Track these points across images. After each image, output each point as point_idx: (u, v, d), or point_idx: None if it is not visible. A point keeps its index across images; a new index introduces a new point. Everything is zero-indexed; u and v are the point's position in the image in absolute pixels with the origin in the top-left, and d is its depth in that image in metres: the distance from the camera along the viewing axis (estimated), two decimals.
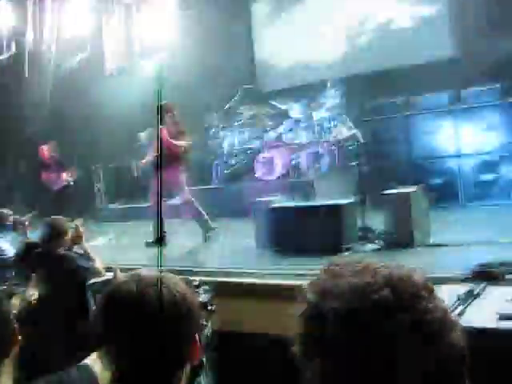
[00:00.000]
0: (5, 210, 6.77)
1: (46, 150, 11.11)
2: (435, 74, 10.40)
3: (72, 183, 11.36)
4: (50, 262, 4.82)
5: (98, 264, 5.12)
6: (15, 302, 4.46)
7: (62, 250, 4.99)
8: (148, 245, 7.60)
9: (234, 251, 7.12)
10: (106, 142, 14.10)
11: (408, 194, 6.16)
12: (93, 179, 13.88)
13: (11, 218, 6.70)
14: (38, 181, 11.86)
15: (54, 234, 4.99)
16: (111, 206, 13.60)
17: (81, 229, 5.23)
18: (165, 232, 7.59)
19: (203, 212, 7.86)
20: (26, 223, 6.76)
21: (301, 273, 5.13)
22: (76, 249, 5.18)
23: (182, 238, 8.04)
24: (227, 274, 5.57)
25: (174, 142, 7.70)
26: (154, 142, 8.37)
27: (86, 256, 5.12)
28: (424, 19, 11.73)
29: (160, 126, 7.22)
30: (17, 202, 12.44)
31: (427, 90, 10.27)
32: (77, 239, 5.15)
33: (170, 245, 7.71)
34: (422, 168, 9.79)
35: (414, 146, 10.05)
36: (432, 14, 11.67)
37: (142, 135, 13.66)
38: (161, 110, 7.38)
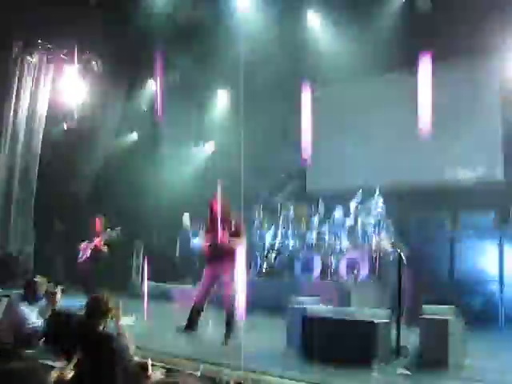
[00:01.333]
0: (40, 279, 6.68)
1: (98, 223, 11.24)
2: (484, 192, 10.43)
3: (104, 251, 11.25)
4: (94, 340, 4.70)
5: (132, 346, 4.97)
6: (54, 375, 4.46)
7: (104, 328, 4.89)
8: (178, 330, 7.56)
9: (263, 350, 7.03)
10: (150, 219, 14.36)
11: (446, 321, 6.04)
12: (132, 254, 14.04)
13: (45, 287, 6.64)
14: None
15: (100, 311, 4.89)
16: (146, 283, 13.63)
17: (120, 307, 5.12)
18: (198, 319, 7.62)
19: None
20: (58, 295, 6.71)
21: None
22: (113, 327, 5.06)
23: (214, 326, 7.99)
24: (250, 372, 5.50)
25: (232, 241, 7.77)
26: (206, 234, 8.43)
27: (123, 336, 4.97)
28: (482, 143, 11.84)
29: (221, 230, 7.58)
30: (55, 270, 12.70)
31: (475, 208, 10.22)
32: (116, 317, 5.04)
33: (199, 332, 7.67)
34: (462, 287, 9.60)
35: (456, 264, 9.91)
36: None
37: (185, 216, 13.91)
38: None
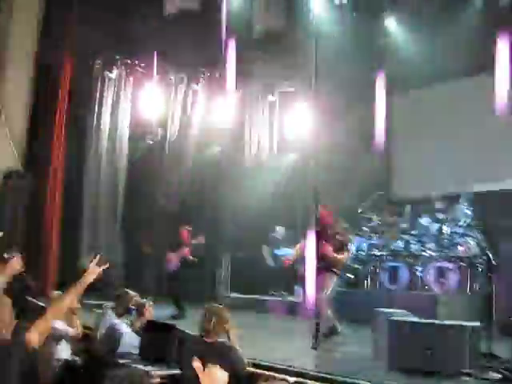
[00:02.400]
0: (130, 292, 6.83)
1: (187, 233, 11.45)
2: None
3: (191, 261, 11.43)
4: (210, 352, 4.61)
5: (243, 356, 4.95)
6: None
7: (219, 340, 4.87)
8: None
9: (350, 359, 7.02)
10: (234, 230, 14.56)
11: None
12: (218, 266, 14.27)
13: (134, 300, 6.76)
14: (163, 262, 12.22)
15: (217, 324, 4.89)
16: (233, 294, 13.85)
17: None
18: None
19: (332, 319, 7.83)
20: (149, 308, 6.82)
21: None
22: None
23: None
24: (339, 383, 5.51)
25: (336, 255, 8.00)
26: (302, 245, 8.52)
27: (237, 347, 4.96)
28: None
29: (324, 242, 7.80)
30: (144, 281, 13.08)
31: None
32: (229, 329, 5.00)
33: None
34: None
35: None
36: None
37: (279, 229, 14.05)
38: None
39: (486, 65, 11.73)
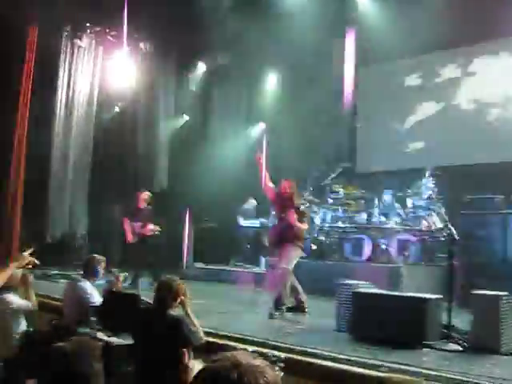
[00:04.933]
0: (98, 256, 6.78)
1: (142, 197, 11.08)
2: None
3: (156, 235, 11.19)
4: (162, 324, 4.64)
5: (200, 328, 4.97)
6: None
7: (174, 312, 4.84)
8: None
9: (312, 330, 7.08)
10: (202, 200, 14.50)
11: (498, 296, 5.95)
12: (181, 236, 14.20)
13: (103, 264, 6.73)
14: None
15: (171, 296, 4.85)
16: (197, 265, 13.84)
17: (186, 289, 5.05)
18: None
19: (285, 293, 7.89)
20: (121, 279, 6.83)
21: (375, 363, 5.05)
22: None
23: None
24: (300, 353, 5.54)
25: (299, 225, 8.07)
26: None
27: (192, 320, 4.95)
28: None
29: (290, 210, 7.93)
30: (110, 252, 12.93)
31: None
32: (184, 302, 4.99)
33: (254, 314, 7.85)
34: None
35: (509, 246, 9.71)
36: None
37: (251, 201, 14.04)
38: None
39: (451, 41, 11.86)
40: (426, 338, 5.87)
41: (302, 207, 8.51)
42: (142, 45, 14.11)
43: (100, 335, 5.69)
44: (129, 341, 5.18)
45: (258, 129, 15.74)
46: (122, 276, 6.85)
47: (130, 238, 10.75)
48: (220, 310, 8.39)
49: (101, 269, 6.70)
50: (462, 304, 7.22)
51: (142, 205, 11.02)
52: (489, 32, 11.58)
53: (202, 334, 4.92)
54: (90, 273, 6.61)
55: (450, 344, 5.90)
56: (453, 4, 11.32)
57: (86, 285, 6.47)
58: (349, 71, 13.08)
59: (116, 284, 6.69)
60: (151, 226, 10.78)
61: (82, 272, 6.77)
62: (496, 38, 12.04)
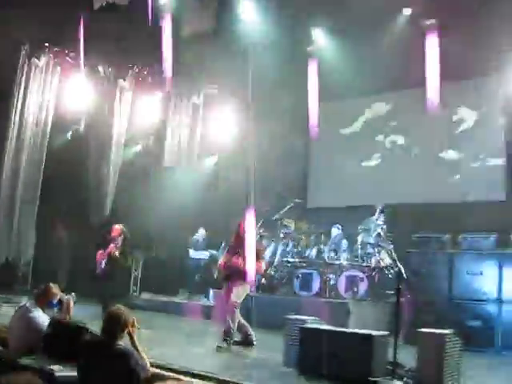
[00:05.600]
0: (54, 286, 6.45)
1: (116, 230, 11.07)
2: (485, 214, 10.48)
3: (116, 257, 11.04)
4: (109, 356, 4.55)
5: (146, 360, 4.84)
6: None
7: (120, 345, 4.70)
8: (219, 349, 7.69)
9: (259, 365, 7.03)
10: (153, 231, 14.36)
11: (443, 335, 6.05)
12: (133, 266, 13.99)
13: (58, 295, 6.42)
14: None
15: (119, 327, 4.72)
16: (144, 295, 13.65)
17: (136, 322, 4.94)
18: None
19: (233, 326, 7.89)
20: (71, 304, 6.55)
21: None
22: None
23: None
24: None
25: (258, 266, 8.18)
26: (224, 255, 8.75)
27: (140, 352, 4.83)
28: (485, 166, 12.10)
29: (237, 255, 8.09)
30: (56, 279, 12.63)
31: (475, 229, 10.26)
32: (132, 333, 4.89)
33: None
34: (460, 307, 9.60)
35: (455, 284, 9.90)
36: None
37: (200, 231, 13.96)
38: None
39: (404, 82, 12.21)
40: (372, 375, 5.89)
41: (257, 246, 8.52)
42: (100, 68, 13.96)
43: (45, 366, 5.48)
44: (74, 372, 5.04)
45: (211, 160, 15.78)
46: (72, 298, 6.56)
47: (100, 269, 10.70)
48: (167, 341, 8.31)
49: (56, 299, 6.45)
50: (409, 340, 7.30)
51: (116, 237, 10.98)
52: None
53: (148, 366, 4.83)
54: (45, 301, 6.36)
55: (395, 381, 5.94)
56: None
57: (39, 313, 6.19)
58: (313, 102, 13.14)
59: (67, 311, 6.41)
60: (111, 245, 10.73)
61: (33, 299, 6.48)
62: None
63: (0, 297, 11.34)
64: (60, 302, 6.40)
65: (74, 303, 6.56)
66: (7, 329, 6.43)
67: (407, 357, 6.44)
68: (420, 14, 11.49)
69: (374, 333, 6.23)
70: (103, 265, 10.67)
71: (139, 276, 14.06)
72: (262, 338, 8.41)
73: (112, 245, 10.69)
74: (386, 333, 6.40)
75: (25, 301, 6.66)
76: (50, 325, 6.09)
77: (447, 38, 11.00)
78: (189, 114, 15.02)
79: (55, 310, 6.45)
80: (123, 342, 4.78)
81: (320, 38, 13.17)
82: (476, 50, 10.82)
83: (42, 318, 6.14)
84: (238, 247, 8.23)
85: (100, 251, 10.76)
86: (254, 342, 8.10)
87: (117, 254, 10.71)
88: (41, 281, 7.20)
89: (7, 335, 6.29)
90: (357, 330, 6.70)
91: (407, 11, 11.93)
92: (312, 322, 6.99)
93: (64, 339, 5.73)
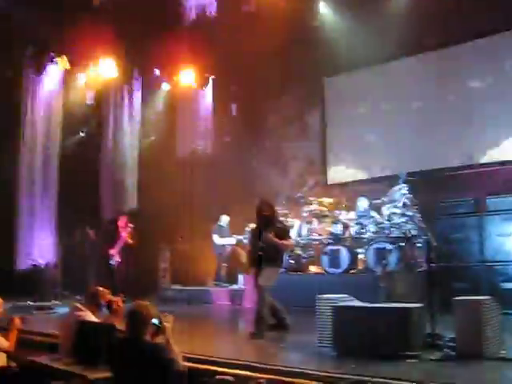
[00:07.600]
0: (102, 289, 6.35)
1: (122, 220, 11.10)
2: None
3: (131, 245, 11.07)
4: (139, 353, 4.44)
5: (179, 354, 4.66)
6: None
7: (148, 339, 4.58)
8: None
9: (295, 348, 6.93)
10: (174, 222, 14.32)
11: (480, 301, 5.89)
12: (159, 258, 14.00)
13: (107, 297, 6.25)
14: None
15: (141, 324, 4.59)
16: (175, 287, 13.62)
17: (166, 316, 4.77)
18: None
19: (264, 310, 7.75)
20: (121, 305, 6.40)
21: (362, 379, 4.92)
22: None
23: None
24: (284, 373, 5.37)
25: (286, 243, 7.98)
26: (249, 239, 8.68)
27: (172, 345, 4.66)
28: None
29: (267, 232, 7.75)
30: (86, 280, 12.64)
31: (503, 191, 10.07)
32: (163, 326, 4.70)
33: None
34: (494, 271, 9.43)
35: (486, 248, 9.72)
36: None
37: (224, 218, 13.86)
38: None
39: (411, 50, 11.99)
40: (410, 349, 5.76)
41: (281, 224, 8.34)
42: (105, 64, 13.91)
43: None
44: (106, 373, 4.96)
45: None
46: (120, 299, 6.40)
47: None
48: (199, 332, 8.24)
49: (103, 302, 6.34)
50: (445, 309, 7.14)
51: (124, 226, 11.07)
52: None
53: (181, 360, 4.72)
54: (94, 305, 6.21)
55: (436, 352, 5.81)
56: None
57: (91, 317, 6.04)
58: None
59: (119, 313, 6.26)
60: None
61: (82, 303, 6.29)
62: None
63: (30, 304, 11.18)
64: (109, 304, 6.25)
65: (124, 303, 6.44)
66: (58, 333, 6.41)
67: (445, 326, 6.31)
68: None
69: (410, 305, 6.09)
70: (117, 258, 10.81)
71: (168, 268, 14.02)
72: (294, 319, 8.29)
73: (124, 234, 10.80)
74: (421, 304, 6.25)
75: (59, 305, 6.61)
76: (77, 326, 6.00)
77: None
78: None
79: (104, 312, 6.32)
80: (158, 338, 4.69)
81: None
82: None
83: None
84: (261, 227, 8.02)
85: (112, 250, 10.87)
86: (289, 326, 7.98)
87: (130, 241, 10.85)
88: (71, 283, 7.15)
89: (58, 340, 6.30)
90: (391, 305, 6.57)
91: None
92: (344, 300, 6.86)
93: (92, 339, 5.65)
